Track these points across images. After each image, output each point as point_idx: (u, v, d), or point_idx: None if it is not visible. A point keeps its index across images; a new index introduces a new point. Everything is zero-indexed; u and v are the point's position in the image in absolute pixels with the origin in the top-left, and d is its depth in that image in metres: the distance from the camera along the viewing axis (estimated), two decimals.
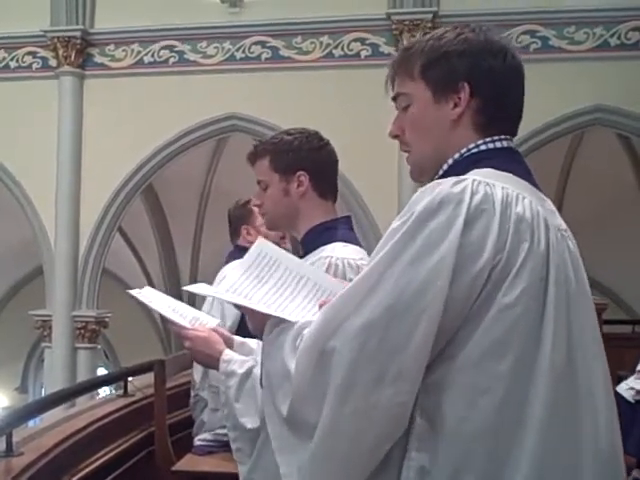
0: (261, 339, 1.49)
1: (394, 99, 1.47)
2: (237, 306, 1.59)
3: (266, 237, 3.19)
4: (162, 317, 2.02)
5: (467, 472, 1.20)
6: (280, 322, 1.43)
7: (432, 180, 1.39)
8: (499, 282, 1.22)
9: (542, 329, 1.23)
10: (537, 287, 1.24)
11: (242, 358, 1.95)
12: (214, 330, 2.02)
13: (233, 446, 1.94)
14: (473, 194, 1.24)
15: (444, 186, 1.25)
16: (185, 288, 1.79)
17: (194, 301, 12.74)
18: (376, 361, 1.20)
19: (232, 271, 1.59)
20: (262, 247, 1.62)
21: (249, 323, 1.57)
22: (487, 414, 1.20)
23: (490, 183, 1.27)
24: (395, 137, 1.48)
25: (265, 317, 1.47)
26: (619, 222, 10.99)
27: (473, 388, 1.21)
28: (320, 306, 1.41)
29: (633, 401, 5.16)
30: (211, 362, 1.98)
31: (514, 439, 1.20)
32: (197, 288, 1.77)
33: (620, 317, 10.48)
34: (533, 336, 1.23)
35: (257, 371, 1.81)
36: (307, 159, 2.07)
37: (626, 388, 5.26)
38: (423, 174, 1.47)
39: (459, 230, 1.20)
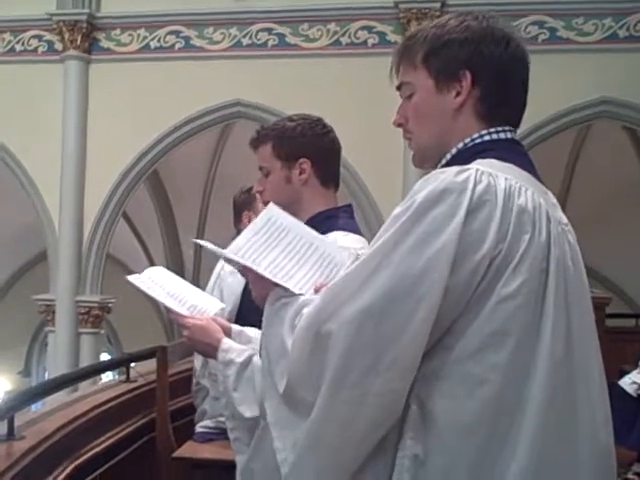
0: (262, 307, 1.48)
1: (398, 88, 1.47)
2: (242, 271, 1.56)
3: None
4: (159, 303, 2.01)
5: (463, 461, 1.20)
6: (284, 294, 1.43)
7: (435, 168, 1.39)
8: (499, 273, 1.22)
9: (542, 321, 1.23)
10: (537, 279, 1.24)
11: (240, 347, 1.94)
12: (212, 319, 2.01)
13: (231, 435, 1.93)
14: (476, 184, 1.24)
15: (447, 175, 1.25)
16: (195, 240, 1.76)
17: (198, 286, 12.80)
18: (372, 347, 1.20)
19: (240, 235, 1.57)
20: (272, 212, 1.61)
21: (253, 289, 1.55)
22: (484, 405, 1.20)
23: (493, 174, 1.26)
24: (399, 125, 1.48)
25: (269, 285, 1.47)
26: (624, 215, 10.97)
27: (470, 378, 1.21)
28: (317, 289, 1.41)
29: (636, 395, 5.16)
30: (210, 351, 1.97)
31: (511, 430, 1.20)
32: (208, 244, 1.74)
33: (624, 311, 10.48)
34: (532, 327, 1.23)
35: (257, 359, 1.81)
36: (310, 146, 2.05)
37: (629, 382, 5.27)
38: (425, 161, 1.47)
39: (461, 219, 1.20)
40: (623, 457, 4.42)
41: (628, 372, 5.43)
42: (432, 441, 1.22)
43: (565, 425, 1.24)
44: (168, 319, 13.63)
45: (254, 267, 1.49)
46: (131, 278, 2.05)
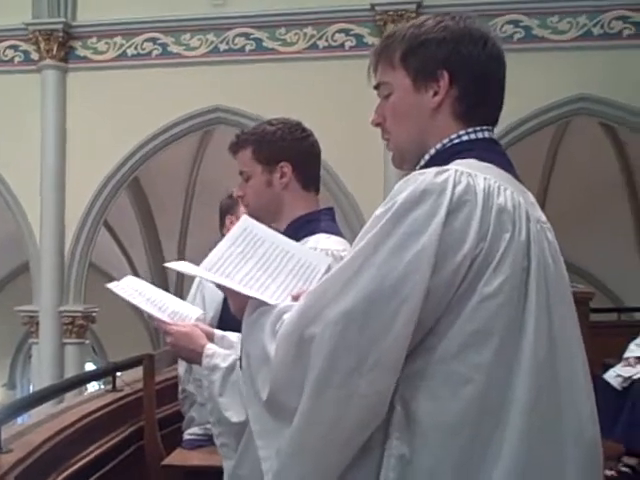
0: (241, 320, 1.48)
1: (376, 87, 1.48)
2: (219, 286, 1.58)
3: None
4: (140, 311, 2.01)
5: (448, 461, 1.20)
6: (261, 303, 1.43)
7: (414, 168, 1.40)
8: (480, 272, 1.22)
9: (524, 319, 1.24)
10: (519, 277, 1.25)
11: (225, 352, 1.94)
12: (195, 325, 2.01)
13: (217, 441, 1.92)
14: (455, 184, 1.24)
15: (427, 176, 1.25)
16: (166, 265, 1.76)
17: (182, 293, 12.73)
18: (355, 349, 1.20)
19: (216, 247, 1.58)
20: (247, 223, 1.62)
21: (230, 304, 1.55)
22: (468, 404, 1.21)
23: (472, 174, 1.27)
24: (377, 125, 1.49)
25: (246, 298, 1.46)
26: (604, 211, 11.06)
27: (454, 378, 1.21)
28: (295, 298, 1.40)
29: (620, 388, 5.21)
30: (194, 357, 1.97)
31: (496, 430, 1.21)
32: (179, 266, 1.74)
33: (606, 305, 10.56)
34: (515, 326, 1.23)
35: None
36: (290, 150, 2.05)
37: (614, 376, 5.31)
38: (404, 162, 1.47)
39: (441, 220, 1.21)
40: (611, 450, 4.45)
41: (612, 366, 5.49)
42: (417, 441, 1.22)
43: (550, 424, 1.24)
44: (153, 327, 13.59)
45: (227, 284, 1.49)
46: (111, 286, 2.05)
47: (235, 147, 2.11)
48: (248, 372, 1.38)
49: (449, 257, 1.21)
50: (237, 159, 2.11)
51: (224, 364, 1.90)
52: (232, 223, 3.30)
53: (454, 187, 1.24)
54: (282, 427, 1.28)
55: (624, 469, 4.79)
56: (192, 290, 3.21)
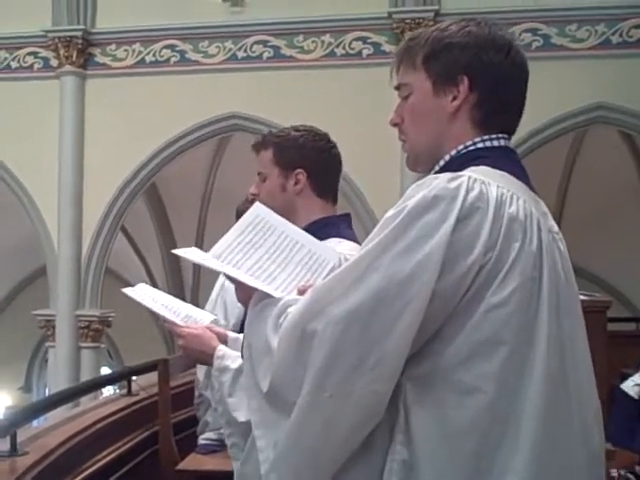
0: (247, 309, 1.48)
1: (397, 88, 1.48)
2: (227, 275, 1.58)
3: None
4: (155, 314, 2.02)
5: (452, 471, 1.20)
6: (268, 295, 1.43)
7: (428, 171, 1.41)
8: (489, 281, 1.22)
9: (536, 328, 1.23)
10: (529, 287, 1.24)
11: (236, 354, 1.94)
12: (207, 327, 2.02)
13: (228, 442, 1.93)
14: (468, 191, 1.24)
15: (440, 181, 1.25)
16: (174, 251, 1.76)
17: (197, 297, 12.76)
18: (356, 348, 1.20)
19: (224, 236, 1.58)
20: (259, 211, 1.61)
21: (237, 293, 1.56)
22: (475, 413, 1.20)
23: (486, 181, 1.27)
24: (395, 125, 1.49)
25: (253, 288, 1.47)
26: (622, 219, 10.98)
27: (460, 387, 1.21)
28: (301, 291, 1.40)
29: (638, 397, 5.16)
30: (205, 359, 1.98)
31: (504, 439, 1.20)
32: (188, 253, 1.74)
33: (624, 315, 10.48)
34: (526, 335, 1.22)
35: None
36: (309, 158, 2.07)
37: (632, 385, 5.27)
38: (418, 164, 1.48)
39: (451, 226, 1.21)
40: (627, 460, 4.40)
41: (630, 375, 5.43)
42: (421, 448, 1.22)
43: (560, 434, 1.23)
44: (168, 332, 13.62)
45: (234, 274, 1.49)
46: (126, 290, 2.07)
47: (258, 146, 2.13)
48: (249, 363, 1.39)
49: (457, 262, 1.21)
50: (258, 158, 2.13)
51: (234, 365, 1.91)
52: None
53: (466, 194, 1.24)
54: (281, 419, 1.29)
55: (630, 476, 4.72)
56: (213, 295, 3.19)
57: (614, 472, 3.67)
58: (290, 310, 1.32)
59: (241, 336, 2.03)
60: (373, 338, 1.20)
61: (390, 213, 1.27)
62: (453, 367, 1.22)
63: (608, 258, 10.79)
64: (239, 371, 1.89)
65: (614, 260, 10.97)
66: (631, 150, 10.83)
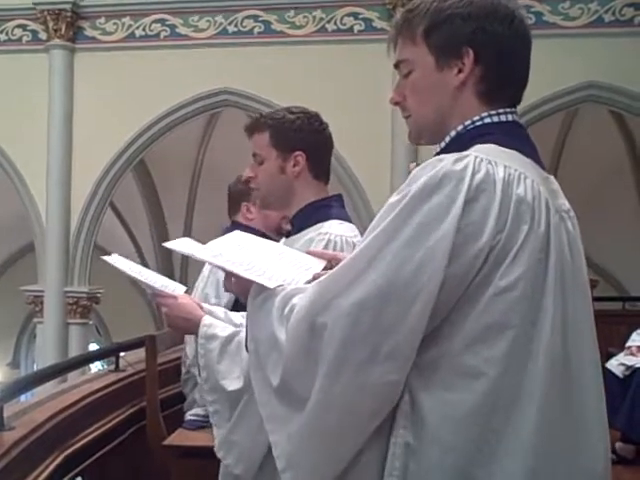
0: (244, 302, 1.47)
1: (396, 66, 1.42)
2: (221, 268, 1.58)
3: (267, 217, 3.16)
4: (139, 283, 2.02)
5: (455, 455, 1.19)
6: (265, 288, 1.41)
7: (431, 144, 1.37)
8: (497, 264, 1.19)
9: (540, 312, 1.21)
10: (536, 270, 1.21)
11: (223, 323, 1.96)
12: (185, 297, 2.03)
13: (211, 408, 1.93)
14: (474, 173, 1.21)
15: (445, 162, 1.22)
16: (166, 244, 1.75)
17: (186, 275, 12.76)
18: (368, 340, 1.18)
19: (213, 241, 1.60)
20: (239, 233, 1.65)
21: (225, 284, 1.57)
22: (480, 398, 1.19)
23: (492, 161, 1.23)
24: (396, 104, 1.44)
25: (249, 281, 1.45)
26: (611, 199, 11.03)
27: (467, 371, 1.20)
28: (314, 278, 1.39)
29: (622, 376, 5.21)
30: (190, 327, 1.98)
31: (508, 423, 1.19)
32: (178, 245, 1.73)
33: (610, 294, 10.54)
34: (530, 319, 1.21)
35: (243, 334, 1.82)
36: (306, 140, 2.09)
37: (616, 364, 5.31)
38: (421, 137, 1.43)
39: (459, 210, 1.18)
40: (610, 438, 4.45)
41: (615, 355, 5.48)
42: (425, 432, 1.21)
43: (560, 417, 1.23)
44: (156, 306, 13.61)
45: (228, 267, 1.49)
46: (107, 258, 2.06)
47: (252, 129, 2.13)
48: (256, 356, 1.37)
49: (466, 247, 1.18)
50: (252, 141, 2.13)
51: (223, 333, 1.91)
52: (249, 210, 3.23)
53: (473, 175, 1.20)
54: (292, 413, 1.27)
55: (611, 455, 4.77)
56: (205, 272, 3.13)
57: None
58: (294, 301, 1.30)
59: (213, 308, 2.05)
60: (385, 328, 1.18)
61: (394, 198, 1.23)
62: (460, 351, 1.20)
63: (596, 237, 10.81)
64: (229, 339, 1.90)
65: (602, 239, 11.01)
66: (621, 130, 10.84)
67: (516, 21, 1.35)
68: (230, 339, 1.89)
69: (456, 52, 1.34)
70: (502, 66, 1.34)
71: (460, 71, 1.34)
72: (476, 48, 1.33)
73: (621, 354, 5.45)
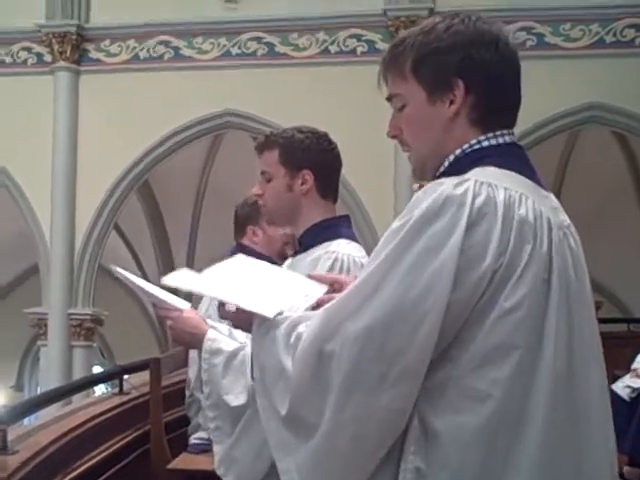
0: (244, 331, 1.48)
1: (388, 99, 1.43)
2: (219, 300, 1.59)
3: (272, 240, 3.17)
4: (144, 296, 2.02)
5: (464, 475, 1.19)
6: (267, 318, 1.41)
7: (434, 178, 1.36)
8: (501, 285, 1.20)
9: (544, 334, 1.21)
10: (539, 290, 1.22)
11: (227, 338, 1.96)
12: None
13: (211, 425, 1.93)
14: (475, 196, 1.21)
15: (446, 187, 1.22)
16: (164, 281, 1.74)
17: (190, 299, 12.75)
18: (376, 365, 1.18)
19: (211, 268, 1.61)
20: (241, 256, 1.66)
21: (219, 311, 1.59)
22: (487, 420, 1.19)
23: (492, 184, 1.24)
24: (394, 137, 1.45)
25: (250, 314, 1.45)
26: (614, 220, 11.01)
27: (473, 393, 1.19)
28: (318, 305, 1.39)
29: (628, 399, 5.18)
30: (194, 341, 1.97)
31: (515, 444, 1.19)
32: (177, 280, 1.71)
33: (614, 314, 10.50)
34: (535, 339, 1.21)
35: (248, 350, 1.81)
36: (315, 160, 2.11)
37: (622, 386, 5.29)
38: (425, 174, 1.43)
39: (461, 234, 1.18)
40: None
41: (621, 377, 5.45)
42: (434, 456, 1.21)
43: (568, 438, 1.22)
44: (161, 331, 13.60)
45: (230, 299, 1.50)
46: (113, 268, 2.07)
47: (262, 147, 2.15)
48: (262, 384, 1.37)
49: (470, 271, 1.18)
50: (261, 158, 2.15)
51: (228, 348, 1.91)
52: (255, 234, 3.23)
53: (474, 199, 1.21)
54: (301, 441, 1.27)
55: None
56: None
57: None
58: (300, 329, 1.30)
59: (217, 325, 2.05)
60: (393, 352, 1.18)
61: (396, 224, 1.24)
62: (467, 373, 1.20)
63: (600, 258, 10.79)
64: (233, 354, 1.90)
65: (606, 260, 10.99)
66: (624, 150, 10.86)
67: (501, 44, 1.35)
68: (235, 354, 1.90)
69: (446, 84, 1.34)
70: (493, 92, 1.35)
71: (452, 102, 1.34)
72: (465, 78, 1.33)
73: (627, 376, 5.43)
